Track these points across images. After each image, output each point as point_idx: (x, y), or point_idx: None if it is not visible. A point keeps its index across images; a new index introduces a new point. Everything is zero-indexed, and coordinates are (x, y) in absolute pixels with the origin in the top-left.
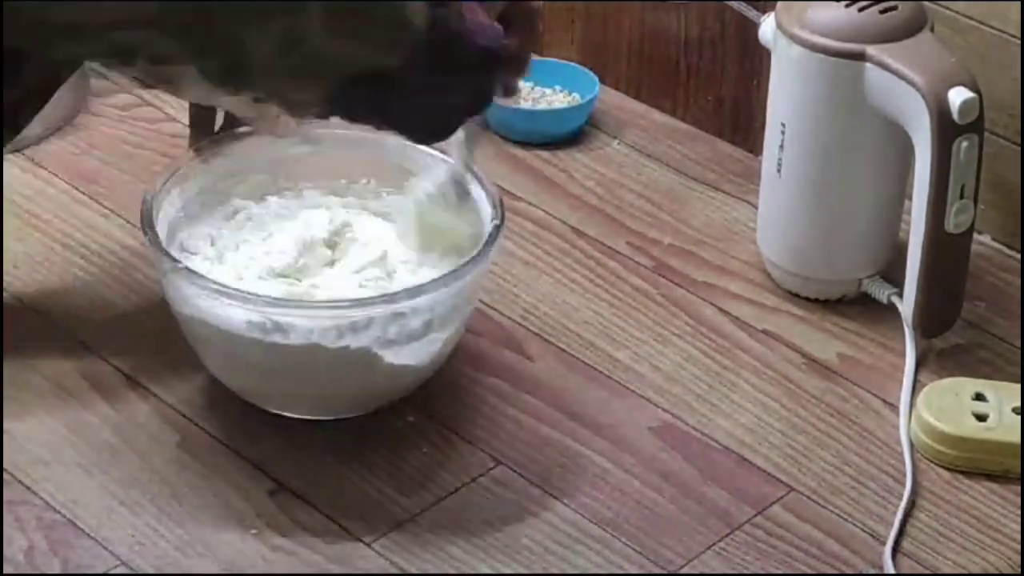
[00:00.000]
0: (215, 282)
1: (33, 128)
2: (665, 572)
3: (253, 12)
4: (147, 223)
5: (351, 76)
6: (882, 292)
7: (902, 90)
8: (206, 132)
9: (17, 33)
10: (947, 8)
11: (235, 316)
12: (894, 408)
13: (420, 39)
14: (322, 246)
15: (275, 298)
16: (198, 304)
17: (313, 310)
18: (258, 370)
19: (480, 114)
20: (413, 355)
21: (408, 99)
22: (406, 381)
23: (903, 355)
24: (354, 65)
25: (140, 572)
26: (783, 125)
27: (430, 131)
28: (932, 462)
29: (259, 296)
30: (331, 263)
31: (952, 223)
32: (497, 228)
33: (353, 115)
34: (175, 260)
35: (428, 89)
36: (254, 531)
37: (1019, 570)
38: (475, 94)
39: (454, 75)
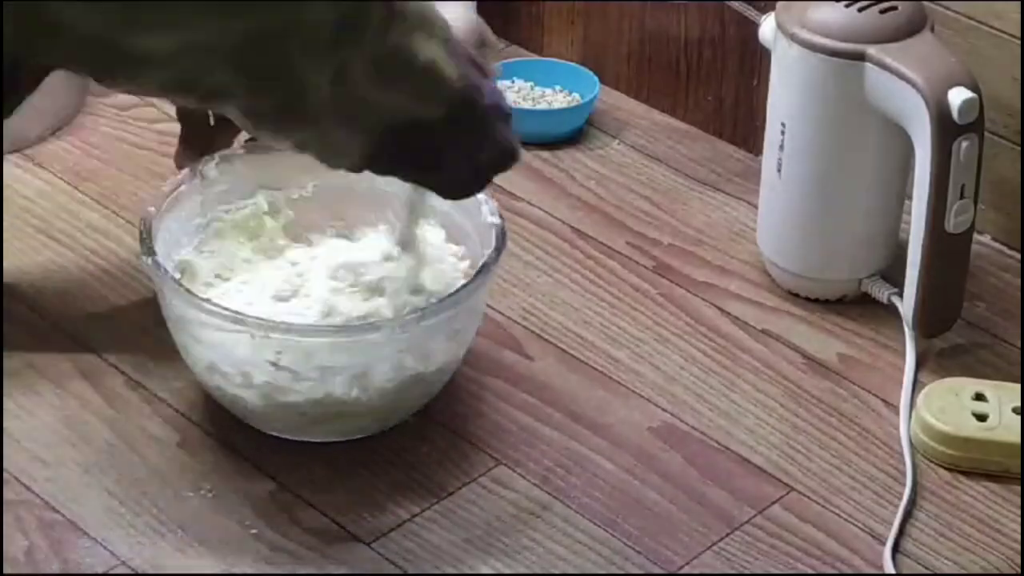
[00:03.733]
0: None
1: (33, 128)
2: (665, 572)
3: (316, 48)
4: (147, 245)
5: (391, 127)
6: (882, 292)
7: (902, 90)
8: (198, 152)
9: (78, 61)
10: (947, 8)
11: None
12: (894, 408)
13: (455, 93)
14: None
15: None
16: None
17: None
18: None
19: (508, 169)
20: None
21: (442, 154)
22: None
23: (903, 355)
24: (397, 115)
25: (140, 572)
26: (783, 125)
27: (462, 186)
28: (932, 462)
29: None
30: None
31: (952, 223)
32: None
33: (387, 169)
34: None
35: (461, 144)
36: (254, 531)
37: (1019, 570)
38: (503, 149)
39: (483, 130)
